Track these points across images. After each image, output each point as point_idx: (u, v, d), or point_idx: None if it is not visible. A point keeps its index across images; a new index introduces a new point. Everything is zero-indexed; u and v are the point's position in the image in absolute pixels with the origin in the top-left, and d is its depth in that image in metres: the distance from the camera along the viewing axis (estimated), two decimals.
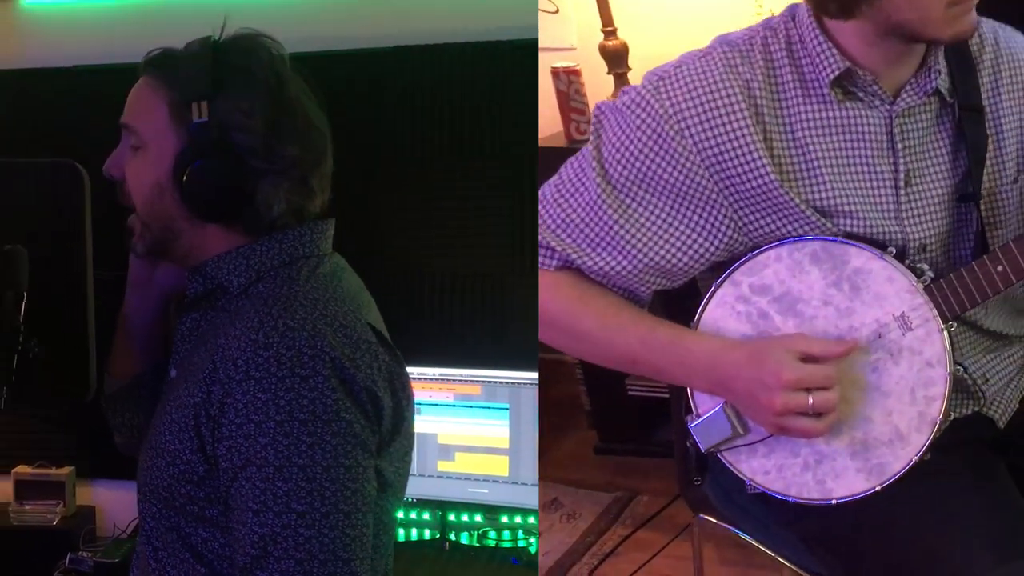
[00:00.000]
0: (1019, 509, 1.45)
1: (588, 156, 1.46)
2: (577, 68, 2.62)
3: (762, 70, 1.40)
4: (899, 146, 1.41)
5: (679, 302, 1.57)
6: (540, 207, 1.49)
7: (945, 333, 1.37)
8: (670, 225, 1.44)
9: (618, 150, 1.43)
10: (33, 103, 2.67)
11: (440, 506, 2.42)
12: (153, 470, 1.21)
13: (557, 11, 2.84)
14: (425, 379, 2.38)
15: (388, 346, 1.23)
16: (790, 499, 1.43)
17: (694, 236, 1.44)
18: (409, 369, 1.29)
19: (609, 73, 2.68)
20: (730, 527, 1.74)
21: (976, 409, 1.52)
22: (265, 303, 1.16)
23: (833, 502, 1.41)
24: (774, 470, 1.44)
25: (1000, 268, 1.37)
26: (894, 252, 1.40)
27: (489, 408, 2.37)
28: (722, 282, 1.46)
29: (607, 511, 2.84)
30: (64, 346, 1.50)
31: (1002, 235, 1.47)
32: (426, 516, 2.44)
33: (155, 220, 1.25)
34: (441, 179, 2.47)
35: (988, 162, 1.44)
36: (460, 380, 2.39)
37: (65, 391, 1.55)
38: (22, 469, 2.63)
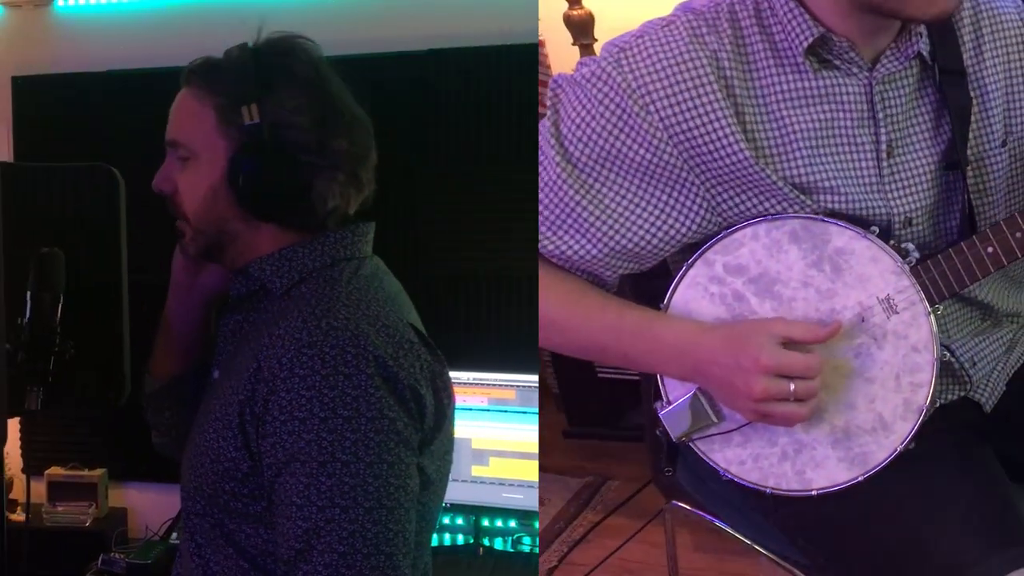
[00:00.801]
0: (1006, 496, 1.43)
1: (545, 132, 1.40)
2: (541, 39, 2.59)
3: (730, 39, 1.35)
4: (880, 115, 1.37)
5: (648, 281, 1.52)
6: None
7: (932, 317, 1.34)
8: (637, 206, 1.38)
9: (578, 126, 1.37)
10: (68, 107, 2.78)
11: (474, 511, 2.44)
12: (197, 468, 1.24)
13: None
14: (459, 383, 2.35)
15: (429, 346, 1.26)
16: (767, 490, 1.41)
17: (663, 217, 1.38)
18: None
19: (575, 44, 2.68)
20: (704, 515, 1.71)
21: (963, 394, 1.49)
22: (308, 303, 1.20)
23: (813, 493, 1.38)
24: (750, 460, 1.41)
25: (991, 249, 1.35)
26: (878, 231, 1.37)
27: (523, 413, 2.40)
28: (694, 261, 1.41)
29: (577, 496, 2.86)
30: (99, 349, 1.55)
31: (991, 202, 1.44)
32: (460, 521, 2.46)
33: (210, 225, 1.29)
34: (478, 183, 2.54)
35: (973, 127, 1.40)
36: (494, 384, 2.42)
37: (99, 394, 1.59)
38: (55, 470, 2.73)
